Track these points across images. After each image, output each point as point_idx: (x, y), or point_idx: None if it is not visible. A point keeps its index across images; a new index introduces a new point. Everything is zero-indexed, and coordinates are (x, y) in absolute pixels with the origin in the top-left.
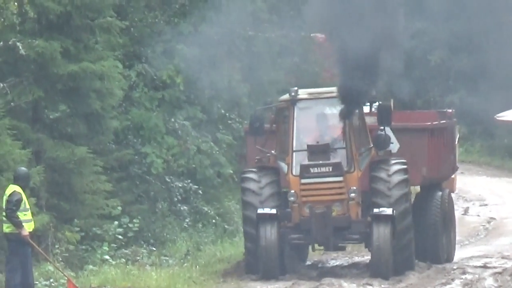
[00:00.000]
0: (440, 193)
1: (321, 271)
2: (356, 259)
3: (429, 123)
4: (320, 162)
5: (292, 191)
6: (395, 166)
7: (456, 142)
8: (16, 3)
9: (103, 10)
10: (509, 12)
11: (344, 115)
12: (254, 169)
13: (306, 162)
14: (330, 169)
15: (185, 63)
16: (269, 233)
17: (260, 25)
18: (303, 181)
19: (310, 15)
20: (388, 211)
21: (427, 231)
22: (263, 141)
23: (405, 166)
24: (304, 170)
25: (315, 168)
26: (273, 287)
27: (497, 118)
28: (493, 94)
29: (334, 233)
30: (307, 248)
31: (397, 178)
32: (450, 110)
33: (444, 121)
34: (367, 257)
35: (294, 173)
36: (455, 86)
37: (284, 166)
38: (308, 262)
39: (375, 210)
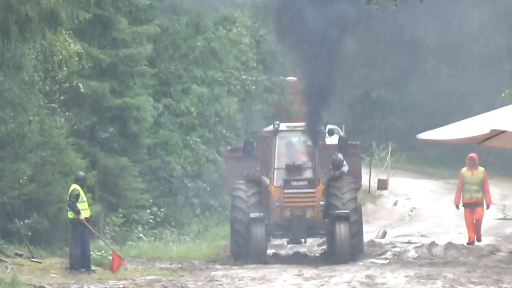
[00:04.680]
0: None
1: (289, 259)
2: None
3: (357, 149)
4: (298, 177)
5: (277, 198)
6: (347, 180)
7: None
8: (77, 57)
9: (140, 61)
10: (426, 54)
11: (314, 143)
12: (242, 182)
13: (286, 177)
14: (306, 183)
15: (197, 98)
16: (259, 231)
17: (250, 71)
18: (285, 191)
19: (286, 63)
20: (345, 212)
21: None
22: (251, 161)
23: (354, 180)
24: (287, 183)
25: (295, 182)
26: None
27: (418, 137)
28: (416, 118)
29: (307, 230)
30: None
31: (348, 187)
32: (358, 143)
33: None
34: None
35: (275, 185)
36: (389, 114)
37: (266, 179)
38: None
39: (336, 211)
